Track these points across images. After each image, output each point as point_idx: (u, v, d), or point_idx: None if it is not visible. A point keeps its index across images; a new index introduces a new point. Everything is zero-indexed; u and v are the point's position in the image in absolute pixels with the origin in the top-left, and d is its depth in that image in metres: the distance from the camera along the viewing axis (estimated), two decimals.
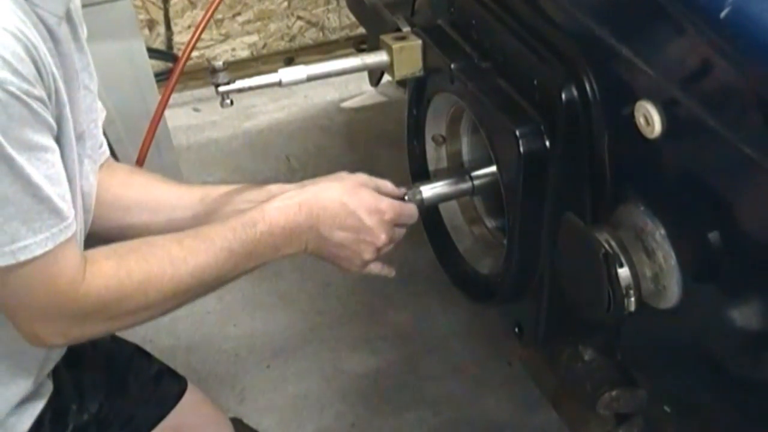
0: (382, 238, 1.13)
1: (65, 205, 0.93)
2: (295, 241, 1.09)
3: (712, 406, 1.09)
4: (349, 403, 1.97)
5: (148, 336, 2.03)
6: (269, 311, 2.21)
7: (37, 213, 0.89)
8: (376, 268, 1.18)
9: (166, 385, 1.33)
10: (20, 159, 0.86)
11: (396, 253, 1.19)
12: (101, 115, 1.16)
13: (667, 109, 0.93)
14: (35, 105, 0.88)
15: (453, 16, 1.32)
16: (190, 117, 2.89)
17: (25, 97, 0.86)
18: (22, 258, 0.89)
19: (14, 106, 0.85)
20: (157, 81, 2.38)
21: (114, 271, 0.98)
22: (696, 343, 1.07)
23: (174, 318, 2.10)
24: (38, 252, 0.90)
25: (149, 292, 0.99)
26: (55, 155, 0.93)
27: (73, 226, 0.94)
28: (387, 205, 1.14)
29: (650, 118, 0.94)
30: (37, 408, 1.13)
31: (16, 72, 0.85)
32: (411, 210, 1.19)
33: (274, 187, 1.20)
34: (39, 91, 0.88)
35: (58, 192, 0.92)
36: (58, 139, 0.95)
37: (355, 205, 1.11)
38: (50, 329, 0.97)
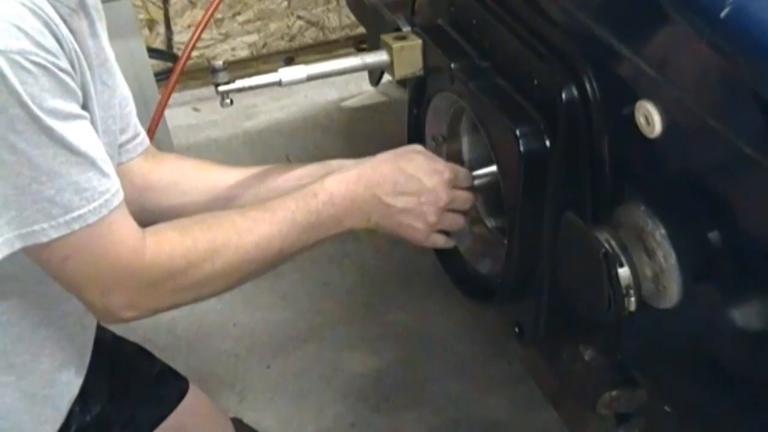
0: (443, 196, 1.14)
1: (111, 170, 0.92)
2: (357, 211, 1.10)
3: (713, 405, 1.09)
4: (349, 403, 1.97)
5: (148, 335, 2.03)
6: (269, 311, 2.21)
7: (86, 181, 0.88)
8: (440, 239, 1.19)
9: (167, 386, 1.33)
10: (59, 129, 0.85)
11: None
12: (128, 110, 1.17)
13: (667, 109, 0.93)
14: (62, 75, 0.87)
15: (453, 15, 1.32)
16: (190, 117, 2.89)
17: (52, 67, 0.85)
18: (77, 227, 0.88)
19: (43, 77, 0.84)
20: (157, 81, 2.39)
21: (179, 240, 0.98)
22: (696, 343, 1.07)
23: (174, 318, 2.11)
24: (92, 219, 0.89)
25: (215, 261, 0.99)
26: (88, 124, 0.92)
27: (122, 192, 0.94)
28: (443, 165, 1.17)
29: (650, 118, 0.94)
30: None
31: (38, 44, 0.83)
32: (465, 172, 1.21)
33: (334, 163, 1.22)
34: (64, 63, 0.87)
35: (101, 158, 0.91)
36: (86, 109, 0.94)
37: (413, 169, 1.13)
38: (121, 301, 0.96)
